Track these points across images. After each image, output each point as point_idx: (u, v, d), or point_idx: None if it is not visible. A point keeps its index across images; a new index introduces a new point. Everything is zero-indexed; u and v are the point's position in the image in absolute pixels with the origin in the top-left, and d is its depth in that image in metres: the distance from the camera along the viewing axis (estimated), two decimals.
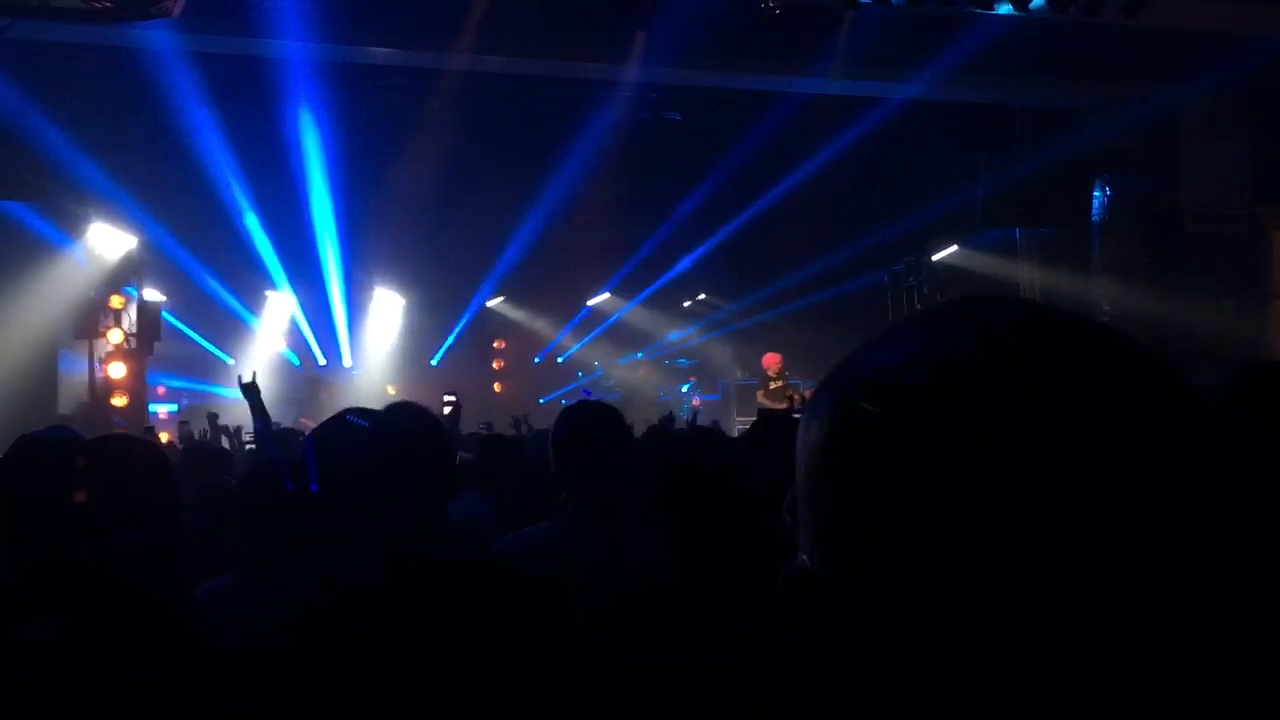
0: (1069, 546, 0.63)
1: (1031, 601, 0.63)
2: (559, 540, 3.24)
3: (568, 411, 3.58)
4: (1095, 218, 15.45)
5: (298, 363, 19.74)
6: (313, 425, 11.81)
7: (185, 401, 17.89)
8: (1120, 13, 12.14)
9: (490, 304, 21.43)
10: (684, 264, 20.11)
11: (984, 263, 16.81)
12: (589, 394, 19.32)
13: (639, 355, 22.37)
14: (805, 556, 0.74)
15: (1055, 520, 0.63)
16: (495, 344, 22.48)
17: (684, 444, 3.39)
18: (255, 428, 6.49)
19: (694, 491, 2.90)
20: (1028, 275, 16.17)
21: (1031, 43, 12.73)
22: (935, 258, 17.63)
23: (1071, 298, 14.71)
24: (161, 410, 16.84)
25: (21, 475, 3.07)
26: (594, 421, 3.48)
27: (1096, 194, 15.39)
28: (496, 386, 21.98)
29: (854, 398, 0.72)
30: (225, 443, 9.26)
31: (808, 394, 14.71)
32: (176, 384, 17.79)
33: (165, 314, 15.79)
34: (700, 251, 19.66)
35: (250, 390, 6.36)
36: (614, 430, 3.46)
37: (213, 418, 9.94)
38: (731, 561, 2.67)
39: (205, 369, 18.71)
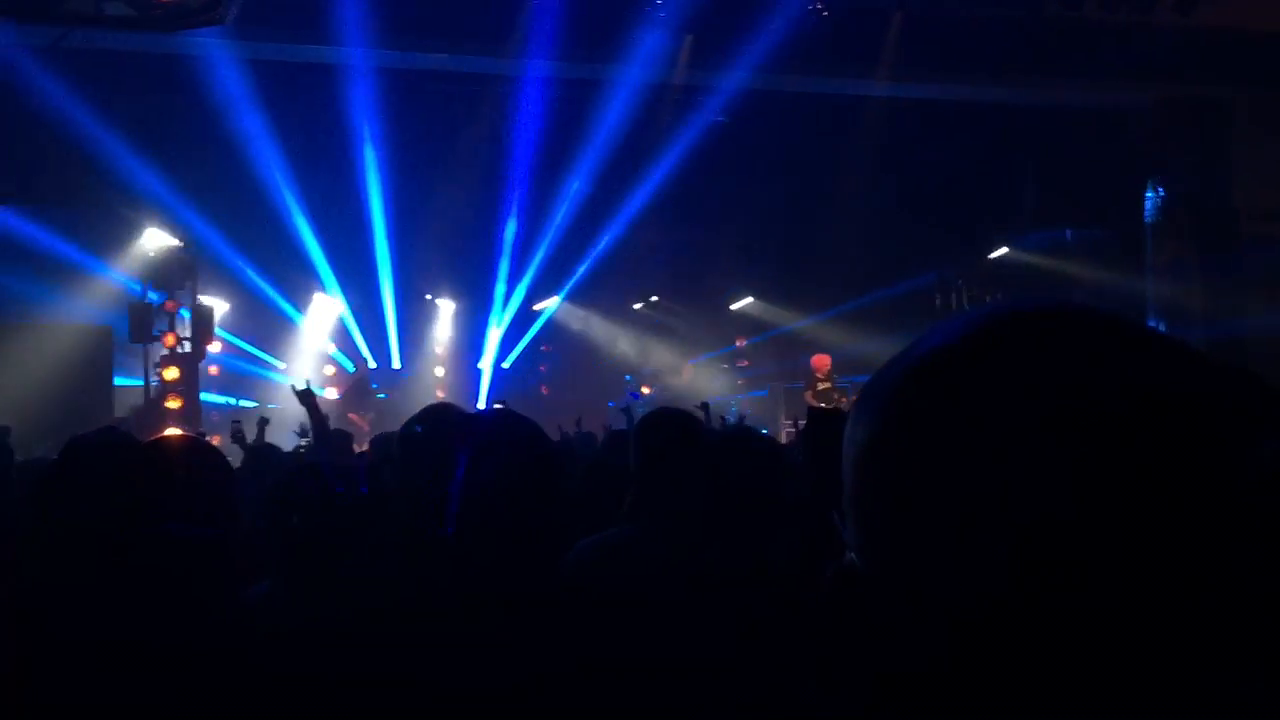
0: (1111, 540, 0.63)
1: (1077, 596, 0.63)
2: (635, 543, 3.25)
3: (650, 418, 3.62)
4: (1148, 218, 15.27)
5: (352, 368, 19.88)
6: (359, 422, 11.84)
7: (237, 400, 18.05)
8: (1173, 11, 12.02)
9: (537, 307, 21.50)
10: (733, 265, 20.06)
11: (1035, 264, 16.65)
12: (635, 396, 19.33)
13: (690, 360, 22.36)
14: (852, 554, 0.74)
15: (1100, 515, 0.63)
16: (543, 348, 22.56)
17: (716, 447, 3.41)
18: (313, 431, 6.59)
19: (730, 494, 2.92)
20: (1079, 276, 16.00)
21: (1084, 42, 12.61)
22: (985, 258, 17.48)
23: (1123, 299, 14.55)
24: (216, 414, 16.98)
25: (72, 477, 3.12)
26: (677, 429, 3.51)
27: (1149, 194, 15.20)
28: (544, 389, 22.06)
29: (897, 397, 0.73)
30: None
31: (855, 397, 14.65)
32: (228, 361, 17.95)
33: (220, 330, 15.96)
34: (749, 253, 19.60)
35: (305, 397, 6.49)
36: (695, 437, 3.50)
37: (263, 422, 9.99)
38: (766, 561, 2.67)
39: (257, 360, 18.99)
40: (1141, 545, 0.63)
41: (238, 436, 9.11)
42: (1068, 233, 16.36)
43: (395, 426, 4.10)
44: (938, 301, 18.12)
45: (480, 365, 21.18)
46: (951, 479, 0.68)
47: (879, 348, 16.50)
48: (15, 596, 2.53)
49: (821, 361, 15.46)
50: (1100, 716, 0.64)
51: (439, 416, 3.80)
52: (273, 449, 7.67)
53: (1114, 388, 0.66)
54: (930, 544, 0.69)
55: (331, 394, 17.63)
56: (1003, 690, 0.66)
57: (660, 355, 22.30)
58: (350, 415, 15.35)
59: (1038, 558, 0.64)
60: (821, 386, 15.11)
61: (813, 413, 4.28)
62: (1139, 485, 0.64)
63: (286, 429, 10.91)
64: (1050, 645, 0.64)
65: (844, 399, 14.70)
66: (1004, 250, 17.23)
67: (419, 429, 4.24)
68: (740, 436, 3.59)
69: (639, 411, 6.08)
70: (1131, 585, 0.63)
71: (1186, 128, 14.43)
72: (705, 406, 10.77)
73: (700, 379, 21.77)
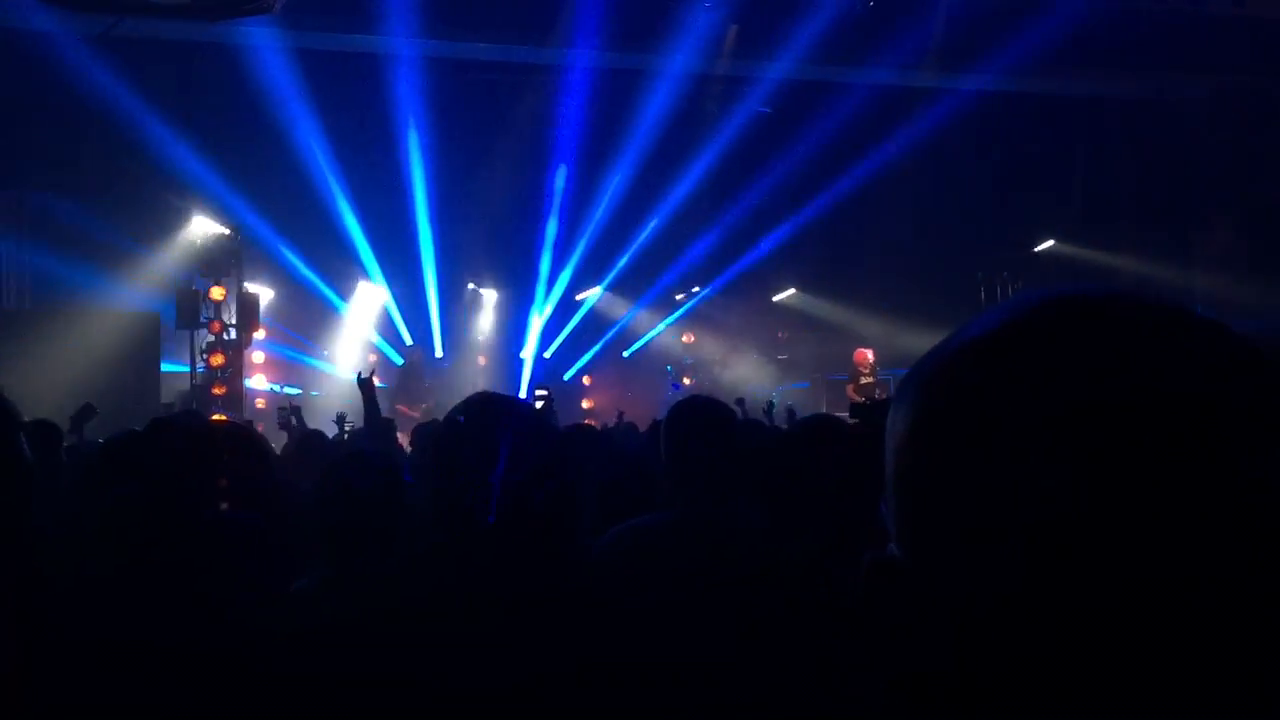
0: (1157, 532, 0.62)
1: (1080, 598, 0.63)
2: (667, 531, 3.26)
3: (679, 406, 3.62)
4: (1196, 212, 15.09)
5: (400, 361, 19.93)
6: (408, 412, 11.87)
7: (280, 387, 18.18)
8: (1227, 2, 11.87)
9: (579, 297, 21.51)
10: (775, 258, 19.99)
11: (1082, 256, 16.49)
12: (677, 387, 19.31)
13: (728, 349, 22.30)
14: (893, 545, 0.74)
15: (1141, 508, 0.63)
16: (583, 337, 22.57)
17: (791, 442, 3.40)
18: (366, 419, 6.67)
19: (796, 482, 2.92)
20: (1127, 268, 15.84)
21: (1135, 33, 12.46)
22: (1032, 251, 17.34)
23: (1170, 292, 14.37)
24: (260, 401, 17.08)
25: (155, 453, 3.15)
26: (705, 416, 3.51)
27: (1198, 187, 15.02)
28: (585, 379, 22.08)
29: (927, 388, 0.73)
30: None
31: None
32: (272, 348, 18.08)
33: (265, 317, 16.09)
34: (792, 246, 19.51)
35: (366, 385, 6.60)
36: (725, 425, 3.49)
37: (296, 410, 10.07)
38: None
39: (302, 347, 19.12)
40: (1142, 550, 0.62)
41: (285, 423, 9.21)
42: (1116, 225, 16.19)
43: (439, 416, 4.11)
44: (982, 294, 17.98)
45: (522, 354, 21.24)
46: (968, 473, 0.67)
47: (923, 341, 16.37)
48: (60, 580, 2.56)
49: (864, 356, 15.40)
50: (1108, 717, 0.64)
51: (482, 406, 3.81)
52: (320, 435, 7.76)
53: (1126, 386, 0.65)
54: (946, 539, 0.69)
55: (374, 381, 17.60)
56: (1008, 691, 0.66)
57: (701, 346, 22.27)
58: (399, 406, 15.41)
59: (1043, 559, 0.64)
60: (864, 380, 15.06)
61: (876, 405, 4.27)
62: (1140, 489, 0.63)
63: (329, 417, 11.01)
64: (1055, 646, 0.64)
65: (885, 393, 14.62)
66: (1051, 243, 17.08)
67: (461, 419, 4.24)
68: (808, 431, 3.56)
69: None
70: (1132, 590, 0.62)
71: (1238, 119, 14.24)
72: (741, 402, 10.76)
73: (742, 370, 21.73)
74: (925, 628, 0.70)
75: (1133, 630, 0.63)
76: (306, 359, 19.19)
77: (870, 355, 15.40)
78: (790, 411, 11.78)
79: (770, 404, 12.43)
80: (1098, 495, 0.63)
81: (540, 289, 20.55)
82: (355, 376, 6.89)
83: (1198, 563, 0.62)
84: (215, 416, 12.13)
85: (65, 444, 6.06)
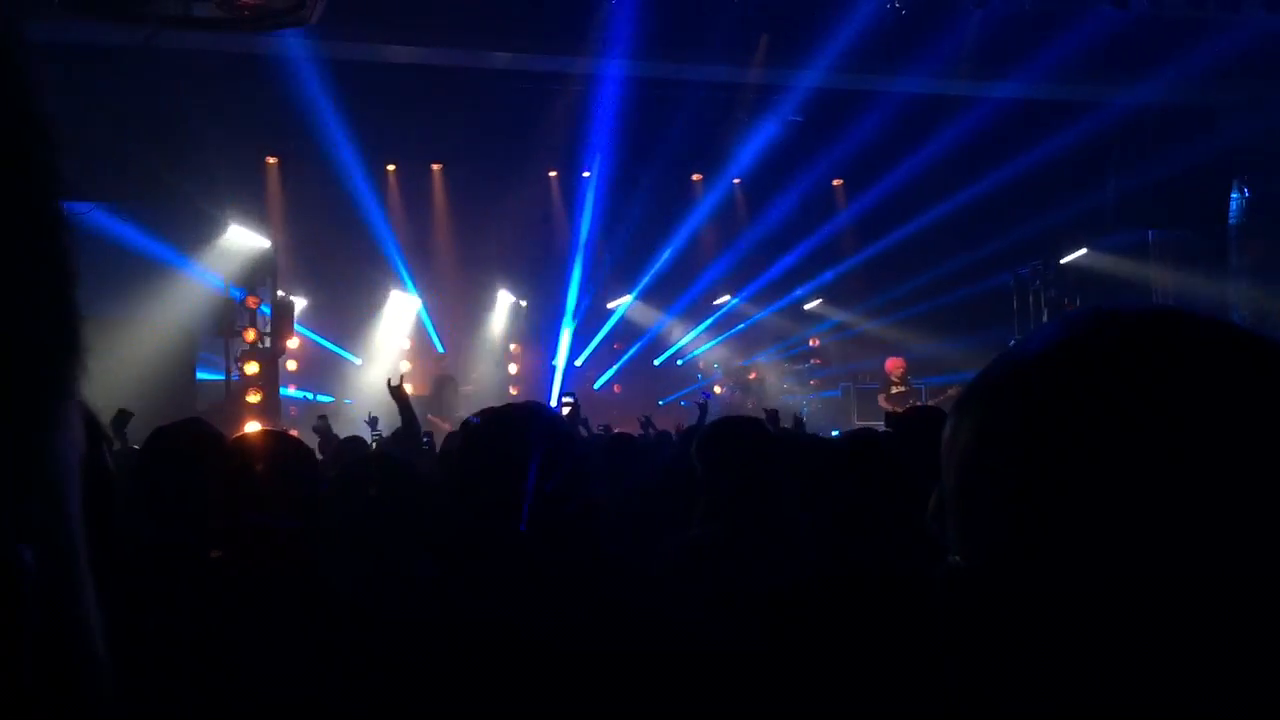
0: (1233, 539, 0.63)
1: (1193, 589, 0.64)
2: (714, 544, 3.27)
3: (715, 425, 3.65)
4: (1233, 220, 14.96)
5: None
6: (438, 423, 11.84)
7: (314, 395, 18.25)
8: (1261, 8, 11.79)
9: (610, 305, 21.52)
10: (806, 266, 19.95)
11: (1115, 265, 16.36)
12: (708, 396, 19.28)
13: (758, 358, 22.24)
14: (956, 556, 0.74)
15: (1214, 511, 0.63)
16: (614, 346, 22.55)
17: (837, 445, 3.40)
18: (402, 425, 6.69)
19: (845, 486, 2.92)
20: (1160, 278, 15.72)
21: (1170, 39, 12.39)
22: (1063, 260, 17.19)
23: (1205, 302, 14.27)
24: (294, 409, 17.16)
25: (157, 465, 3.19)
26: (739, 432, 3.52)
27: (1234, 195, 14.90)
28: (615, 387, 22.06)
29: (1001, 403, 0.73)
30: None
31: (930, 401, 14.51)
32: (309, 357, 18.13)
33: (299, 327, 16.17)
34: (822, 254, 19.46)
35: (397, 393, 6.62)
36: (760, 440, 3.50)
37: (323, 420, 10.12)
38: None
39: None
40: (1218, 555, 0.63)
41: (322, 432, 9.25)
42: (1149, 234, 16.06)
43: None
44: (1015, 303, 17.87)
45: (554, 363, 21.26)
46: (1041, 482, 0.69)
47: (954, 350, 16.34)
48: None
49: (895, 364, 15.34)
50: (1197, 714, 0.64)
51: (510, 415, 3.84)
52: (359, 440, 7.80)
53: (1186, 399, 0.66)
54: (1020, 545, 0.69)
55: (408, 389, 17.60)
56: (1118, 678, 0.66)
57: (732, 354, 22.22)
58: (430, 416, 15.44)
59: (1118, 561, 0.65)
60: (895, 389, 14.99)
61: (934, 410, 4.27)
62: (1213, 497, 0.64)
63: (362, 422, 11.07)
64: (1138, 645, 0.65)
65: (917, 402, 14.55)
66: (1083, 251, 16.94)
67: (490, 428, 4.27)
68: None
69: (713, 406, 6.08)
70: (1213, 592, 0.63)
71: (1274, 127, 14.13)
72: (775, 414, 10.71)
73: (772, 379, 21.66)
74: (1002, 634, 0.70)
75: (1217, 628, 0.63)
76: (339, 367, 19.26)
77: (902, 363, 15.33)
78: (797, 420, 11.69)
79: (799, 416, 12.37)
80: (1169, 501, 0.64)
81: (571, 297, 20.58)
82: (387, 384, 6.92)
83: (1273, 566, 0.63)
84: (250, 424, 12.20)
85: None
